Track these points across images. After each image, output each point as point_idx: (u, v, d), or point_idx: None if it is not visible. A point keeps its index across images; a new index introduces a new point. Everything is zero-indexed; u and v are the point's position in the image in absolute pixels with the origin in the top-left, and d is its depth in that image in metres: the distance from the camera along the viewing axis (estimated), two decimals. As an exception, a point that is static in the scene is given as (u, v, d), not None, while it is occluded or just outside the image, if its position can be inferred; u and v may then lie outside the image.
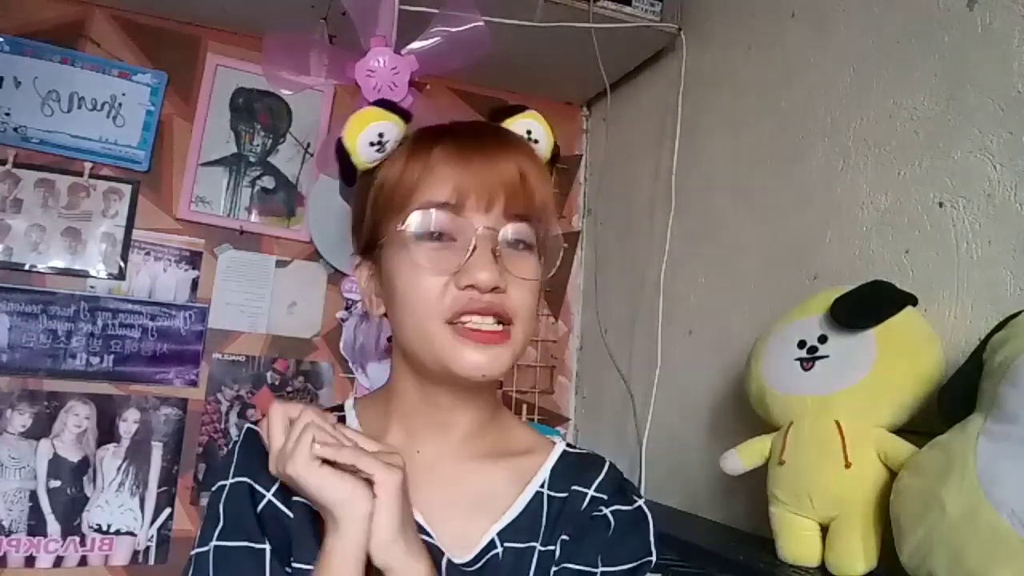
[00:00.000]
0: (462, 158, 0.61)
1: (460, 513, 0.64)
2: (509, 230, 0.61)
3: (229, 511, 0.60)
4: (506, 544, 0.63)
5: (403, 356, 0.66)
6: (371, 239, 0.65)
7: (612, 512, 0.66)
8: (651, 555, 0.65)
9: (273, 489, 0.61)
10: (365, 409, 0.71)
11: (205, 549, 0.58)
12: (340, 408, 0.71)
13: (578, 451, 0.72)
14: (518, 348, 0.62)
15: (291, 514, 0.61)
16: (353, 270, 0.69)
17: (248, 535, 0.59)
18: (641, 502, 0.68)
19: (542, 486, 0.67)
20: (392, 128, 0.64)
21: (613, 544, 0.64)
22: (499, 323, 0.60)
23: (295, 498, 0.61)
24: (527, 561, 0.62)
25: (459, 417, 0.66)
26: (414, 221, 0.60)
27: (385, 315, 0.66)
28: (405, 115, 0.66)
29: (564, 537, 0.64)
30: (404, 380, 0.66)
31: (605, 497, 0.66)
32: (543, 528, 0.64)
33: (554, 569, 0.62)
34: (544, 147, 0.68)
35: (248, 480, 0.61)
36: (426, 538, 0.61)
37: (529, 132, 0.67)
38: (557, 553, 0.63)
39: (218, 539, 0.58)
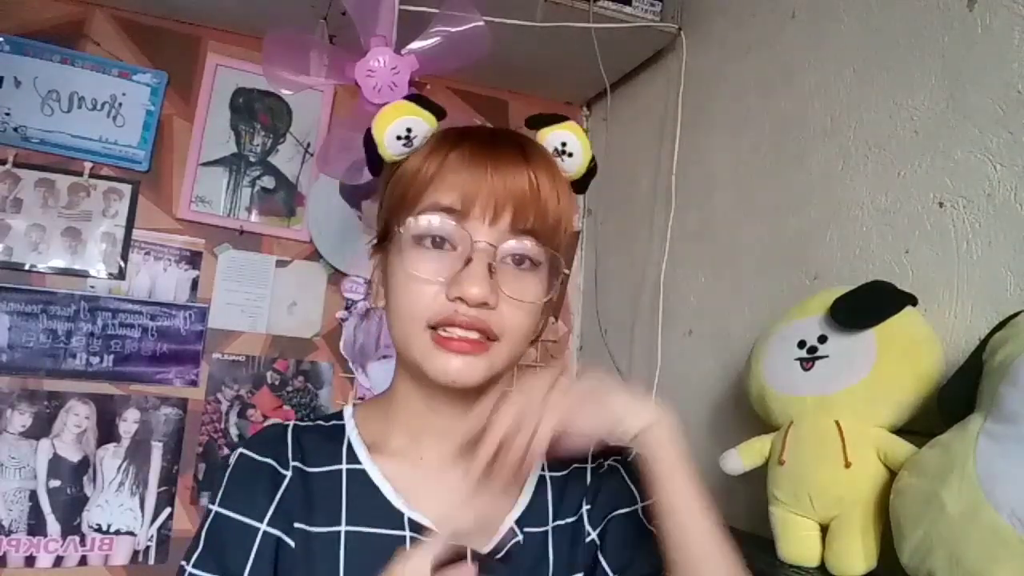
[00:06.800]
0: (475, 164, 0.59)
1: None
2: (510, 245, 0.59)
3: (209, 542, 0.61)
4: (525, 530, 0.65)
5: (400, 358, 0.66)
6: (384, 230, 0.65)
7: (616, 461, 0.72)
8: None
9: (268, 518, 0.61)
10: (365, 416, 0.70)
11: (184, 569, 0.60)
12: (339, 416, 0.70)
13: None
14: (497, 362, 0.61)
15: (292, 542, 0.60)
16: (370, 257, 0.69)
17: (221, 569, 0.59)
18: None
19: (543, 469, 0.69)
20: (422, 124, 0.63)
21: (637, 480, 0.66)
22: (484, 337, 0.59)
23: (297, 525, 0.61)
24: (544, 543, 0.65)
25: (462, 424, 0.66)
26: (415, 224, 0.60)
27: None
28: (438, 111, 0.64)
29: (592, 537, 0.67)
30: (406, 385, 0.66)
31: (602, 459, 0.72)
32: (550, 508, 0.67)
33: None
34: (579, 161, 0.65)
35: (234, 515, 0.61)
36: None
37: (564, 144, 0.65)
38: (588, 529, 0.67)
39: (193, 566, 0.60)
